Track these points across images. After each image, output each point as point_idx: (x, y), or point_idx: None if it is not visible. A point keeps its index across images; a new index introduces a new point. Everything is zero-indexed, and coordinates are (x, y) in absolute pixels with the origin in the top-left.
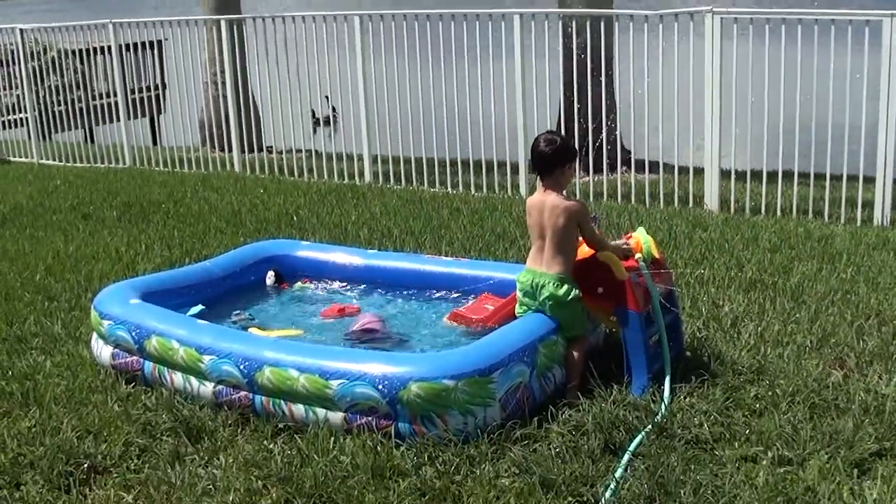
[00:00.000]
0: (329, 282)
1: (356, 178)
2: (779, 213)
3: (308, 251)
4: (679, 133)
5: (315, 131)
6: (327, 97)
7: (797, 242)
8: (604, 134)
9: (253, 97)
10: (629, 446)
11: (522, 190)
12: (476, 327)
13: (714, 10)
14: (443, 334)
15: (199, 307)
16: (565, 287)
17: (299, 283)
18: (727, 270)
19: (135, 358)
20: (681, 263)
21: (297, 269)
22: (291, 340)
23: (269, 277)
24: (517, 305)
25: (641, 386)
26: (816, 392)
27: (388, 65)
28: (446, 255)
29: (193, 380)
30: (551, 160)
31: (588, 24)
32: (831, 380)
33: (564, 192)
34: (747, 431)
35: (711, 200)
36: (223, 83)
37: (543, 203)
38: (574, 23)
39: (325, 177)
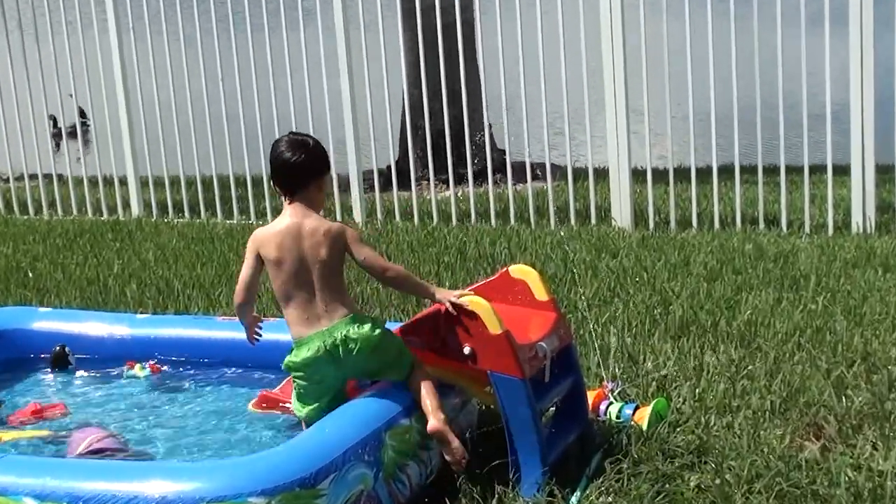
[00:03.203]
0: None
1: (119, 210)
2: (717, 224)
3: (49, 321)
4: (571, 124)
5: (58, 147)
6: (72, 96)
7: (744, 265)
8: (466, 131)
9: None
10: None
11: (357, 213)
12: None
13: None
14: (248, 428)
15: None
16: (368, 323)
17: (139, 367)
18: (647, 310)
19: None
20: (581, 305)
21: (33, 347)
22: (26, 454)
23: (69, 355)
24: (294, 400)
25: (534, 481)
26: (784, 475)
27: (157, 51)
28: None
29: None
30: (306, 170)
31: None
32: (804, 455)
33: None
34: None
35: (622, 214)
36: None
37: (301, 229)
38: None
39: (75, 212)
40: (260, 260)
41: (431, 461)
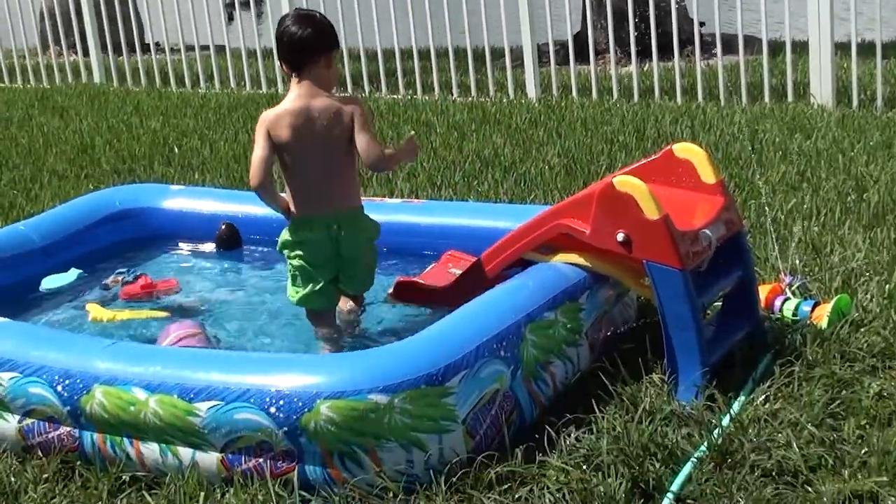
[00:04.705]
0: None
1: (278, 83)
2: None
3: (180, 200)
4: None
5: (231, 19)
6: None
7: None
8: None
9: None
10: (670, 486)
11: (530, 88)
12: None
13: None
14: (374, 321)
15: (75, 272)
16: (370, 220)
17: None
18: (839, 197)
19: None
20: (765, 190)
21: (164, 227)
22: (134, 341)
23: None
24: (289, 286)
25: (692, 384)
26: None
27: None
28: (397, 197)
29: None
30: (314, 43)
31: None
32: None
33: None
34: (864, 453)
35: (822, 90)
36: None
37: (312, 110)
38: None
39: (233, 85)
40: (272, 140)
41: (579, 358)
